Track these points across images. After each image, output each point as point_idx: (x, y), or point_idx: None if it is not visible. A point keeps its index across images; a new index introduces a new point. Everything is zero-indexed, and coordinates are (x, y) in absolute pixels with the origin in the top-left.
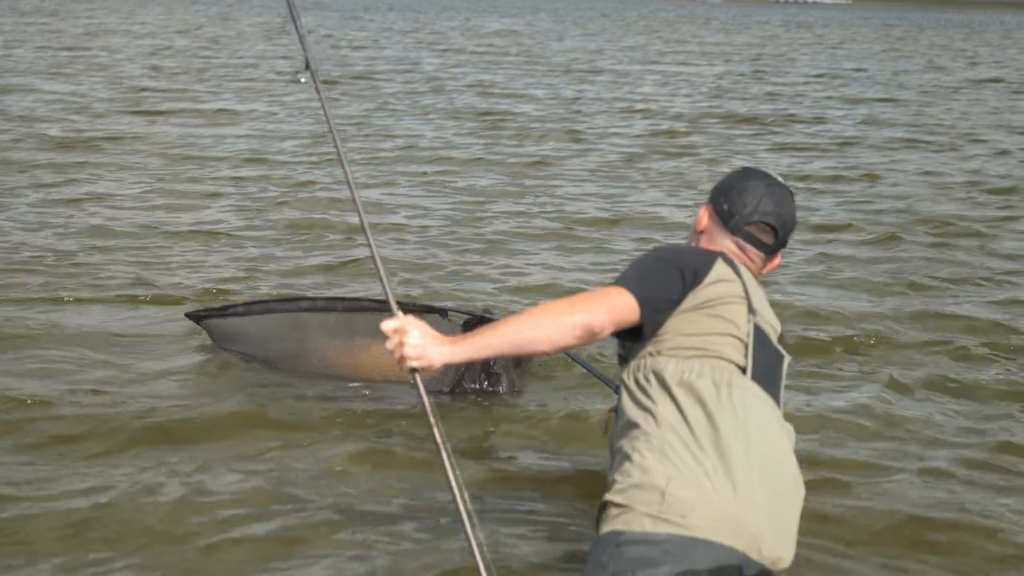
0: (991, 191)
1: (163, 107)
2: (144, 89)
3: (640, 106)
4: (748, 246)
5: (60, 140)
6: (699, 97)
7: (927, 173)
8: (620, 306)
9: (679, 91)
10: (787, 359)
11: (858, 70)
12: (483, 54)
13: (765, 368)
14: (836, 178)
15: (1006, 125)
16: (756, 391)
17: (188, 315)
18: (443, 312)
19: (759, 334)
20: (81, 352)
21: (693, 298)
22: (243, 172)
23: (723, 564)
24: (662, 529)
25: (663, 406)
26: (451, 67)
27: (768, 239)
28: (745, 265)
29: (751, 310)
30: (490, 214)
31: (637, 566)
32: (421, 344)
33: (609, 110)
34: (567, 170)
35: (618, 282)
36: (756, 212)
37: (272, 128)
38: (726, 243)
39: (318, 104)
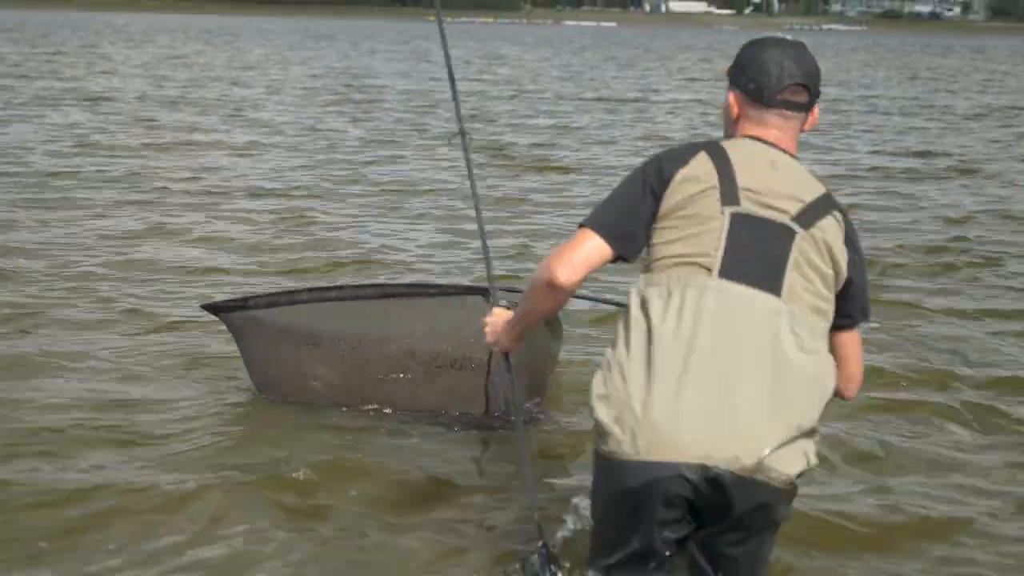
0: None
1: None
2: (151, 119)
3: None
4: (789, 112)
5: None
6: (707, 128)
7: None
8: (585, 253)
9: (692, 120)
10: (799, 234)
11: (872, 96)
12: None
13: (752, 258)
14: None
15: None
16: (726, 288)
17: (209, 307)
18: (486, 292)
19: (739, 223)
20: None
21: (664, 205)
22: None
23: (651, 479)
24: (601, 451)
25: (618, 325)
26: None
27: (803, 98)
28: (782, 135)
29: (730, 199)
30: None
31: (592, 486)
32: (492, 330)
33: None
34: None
35: (585, 221)
36: (784, 77)
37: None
38: (768, 118)
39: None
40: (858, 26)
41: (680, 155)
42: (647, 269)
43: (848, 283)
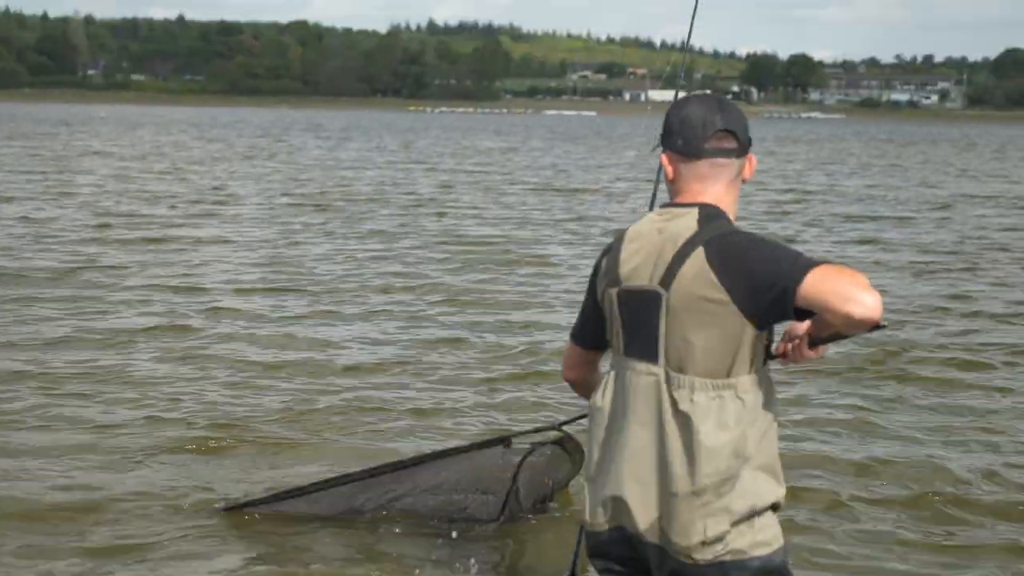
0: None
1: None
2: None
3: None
4: (720, 160)
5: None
6: None
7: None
8: (573, 360)
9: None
10: (663, 296)
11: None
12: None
13: (636, 330)
14: None
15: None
16: (626, 364)
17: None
18: (507, 441)
19: (623, 300)
20: None
21: (599, 302)
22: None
23: (607, 546)
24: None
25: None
26: None
27: (731, 144)
28: (714, 186)
29: (615, 280)
30: None
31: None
32: None
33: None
34: None
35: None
36: (708, 126)
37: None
38: (700, 171)
39: None
40: (837, 115)
41: (600, 257)
42: None
43: (754, 291)
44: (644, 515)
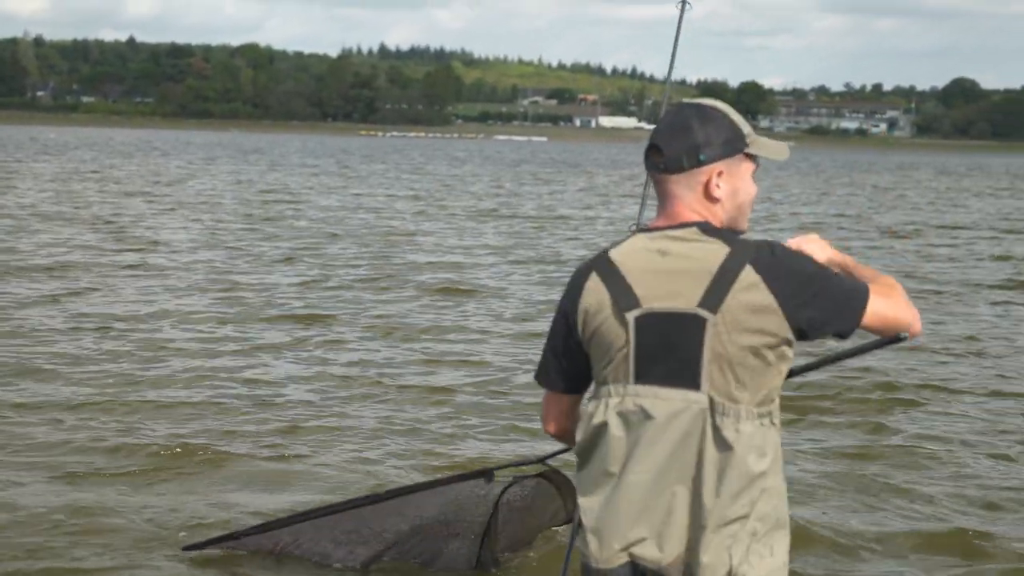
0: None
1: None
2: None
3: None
4: (657, 175)
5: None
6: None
7: None
8: (561, 409)
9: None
10: (709, 320)
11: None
12: None
13: (665, 355)
14: None
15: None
16: (654, 393)
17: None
18: (489, 474)
19: (645, 324)
20: None
21: (583, 338)
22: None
23: None
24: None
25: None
26: None
27: (656, 158)
28: (671, 202)
29: (629, 304)
30: None
31: None
32: None
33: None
34: None
35: (536, 376)
36: (650, 138)
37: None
38: (656, 187)
39: None
40: (787, 142)
41: (574, 288)
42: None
43: (816, 314)
44: (668, 549)
